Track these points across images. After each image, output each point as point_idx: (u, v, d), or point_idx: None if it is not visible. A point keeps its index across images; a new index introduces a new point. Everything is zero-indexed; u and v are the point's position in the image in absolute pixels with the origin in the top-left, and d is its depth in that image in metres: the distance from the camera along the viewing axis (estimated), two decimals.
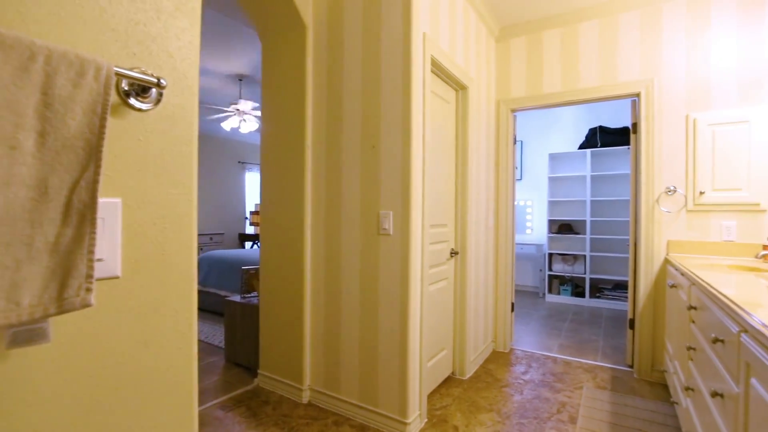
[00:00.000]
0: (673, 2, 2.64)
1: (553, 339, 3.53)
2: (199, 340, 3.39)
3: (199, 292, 4.46)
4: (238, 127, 6.49)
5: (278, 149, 2.45)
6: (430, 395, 2.40)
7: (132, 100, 0.69)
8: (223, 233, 7.76)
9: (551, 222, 5.21)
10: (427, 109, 2.09)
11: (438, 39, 2.27)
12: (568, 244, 5.18)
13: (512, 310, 3.32)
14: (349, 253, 2.18)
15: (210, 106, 5.05)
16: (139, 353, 0.71)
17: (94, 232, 0.54)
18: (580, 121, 5.26)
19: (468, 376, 2.69)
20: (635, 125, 2.83)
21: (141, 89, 0.70)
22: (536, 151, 5.59)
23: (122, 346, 0.68)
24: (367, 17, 2.11)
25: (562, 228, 5.13)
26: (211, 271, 4.41)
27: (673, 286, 2.26)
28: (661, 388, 2.54)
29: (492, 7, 2.92)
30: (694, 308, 1.65)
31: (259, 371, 2.54)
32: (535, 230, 5.64)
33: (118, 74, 0.62)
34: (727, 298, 1.19)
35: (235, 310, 2.86)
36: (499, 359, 3.04)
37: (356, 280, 2.15)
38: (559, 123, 5.42)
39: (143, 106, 0.71)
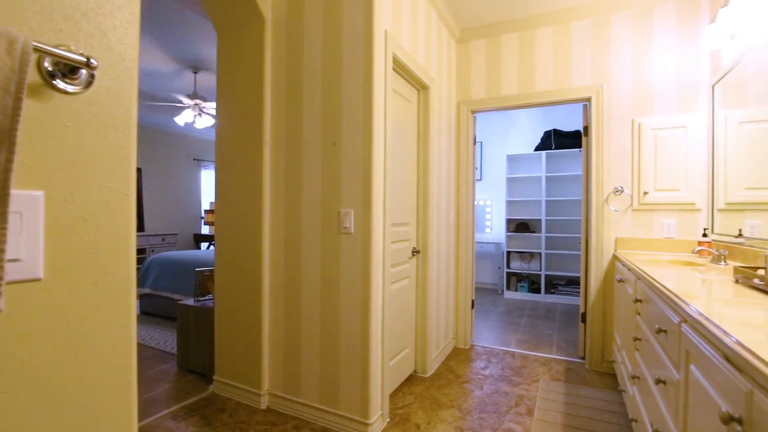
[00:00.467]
0: (621, 14, 2.80)
1: (512, 334, 3.64)
2: (150, 347, 3.19)
3: (150, 296, 4.20)
4: (193, 122, 6.20)
5: (235, 145, 2.35)
6: (393, 394, 2.39)
7: (57, 82, 0.62)
8: (176, 234, 7.39)
9: (509, 221, 5.38)
10: (389, 107, 2.08)
11: (400, 37, 2.26)
12: (525, 242, 5.37)
13: (472, 307, 3.38)
14: (310, 252, 2.13)
15: (160, 99, 4.77)
16: (66, 364, 0.64)
17: (5, 228, 0.47)
18: (537, 123, 5.47)
19: (430, 373, 2.71)
20: (586, 128, 2.96)
21: (69, 70, 0.63)
22: (495, 152, 5.75)
23: (44, 356, 0.61)
24: (328, 11, 2.06)
25: (519, 227, 5.31)
26: (162, 274, 4.18)
27: (620, 280, 2.39)
28: (611, 378, 2.68)
29: (453, 9, 2.96)
30: (640, 301, 1.74)
31: (214, 377, 2.42)
32: (494, 229, 5.80)
33: (38, 50, 0.55)
34: (669, 291, 1.26)
35: (189, 314, 2.72)
36: (459, 356, 3.08)
37: (317, 279, 2.10)
38: (517, 125, 5.61)
39: (71, 89, 0.63)
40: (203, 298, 2.80)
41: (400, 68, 2.33)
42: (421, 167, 2.70)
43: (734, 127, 2.25)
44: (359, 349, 1.97)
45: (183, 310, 2.75)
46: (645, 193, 2.70)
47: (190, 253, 4.54)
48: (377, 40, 1.97)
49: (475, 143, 3.39)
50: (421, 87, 2.67)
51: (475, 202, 3.78)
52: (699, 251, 2.32)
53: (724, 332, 0.81)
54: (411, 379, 2.62)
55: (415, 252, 2.61)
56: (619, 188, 2.78)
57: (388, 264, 2.10)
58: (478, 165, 5.78)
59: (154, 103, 5.39)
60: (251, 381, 2.26)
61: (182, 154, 7.61)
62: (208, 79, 4.77)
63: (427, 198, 2.68)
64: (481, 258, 5.82)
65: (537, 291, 5.11)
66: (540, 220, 5.18)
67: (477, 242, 5.55)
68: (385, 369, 2.05)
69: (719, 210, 2.43)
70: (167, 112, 6.10)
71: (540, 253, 5.12)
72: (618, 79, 2.79)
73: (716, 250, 2.09)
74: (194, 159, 7.84)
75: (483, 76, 3.25)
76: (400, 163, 2.42)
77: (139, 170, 6.67)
